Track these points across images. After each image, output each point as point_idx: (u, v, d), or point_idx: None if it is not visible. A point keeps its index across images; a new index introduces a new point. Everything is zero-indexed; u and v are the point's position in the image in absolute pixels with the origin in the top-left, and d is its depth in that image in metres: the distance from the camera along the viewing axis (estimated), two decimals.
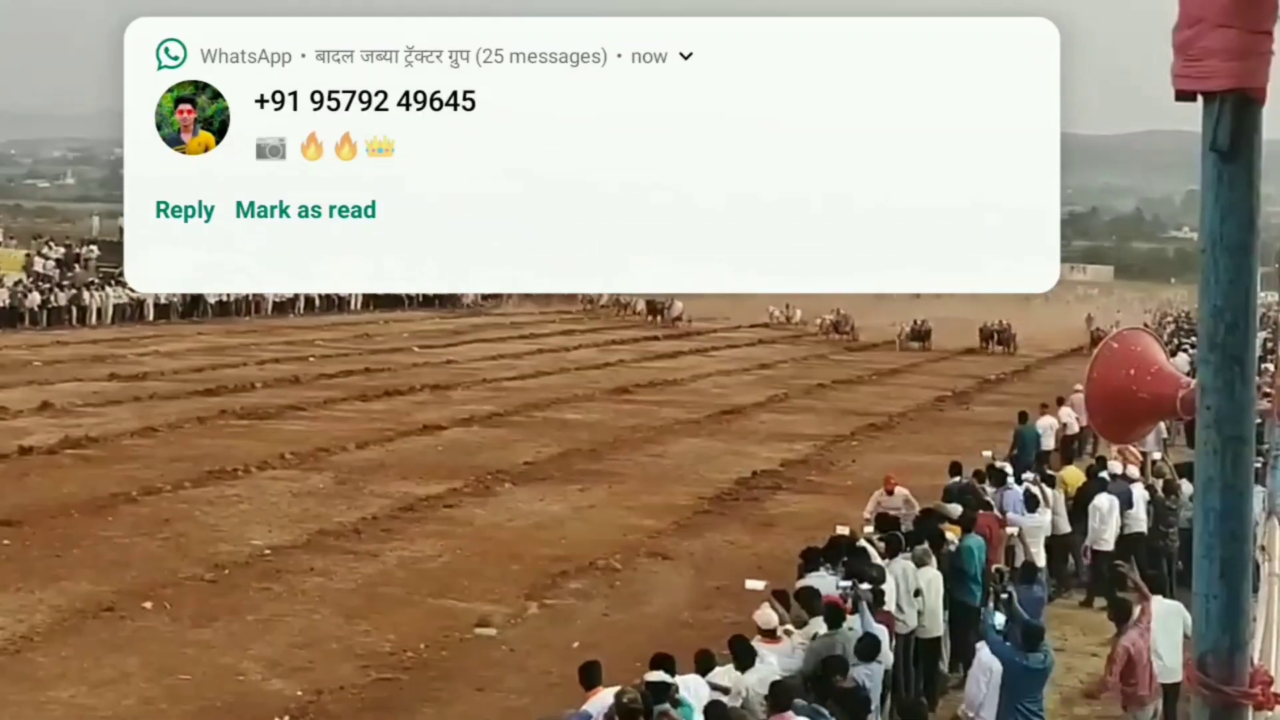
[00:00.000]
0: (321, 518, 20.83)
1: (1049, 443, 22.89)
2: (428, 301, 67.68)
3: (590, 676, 9.25)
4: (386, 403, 33.41)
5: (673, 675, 9.52)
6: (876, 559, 12.69)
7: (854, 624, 10.72)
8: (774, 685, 9.36)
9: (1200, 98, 1.80)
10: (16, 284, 54.03)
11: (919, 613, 12.64)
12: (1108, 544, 16.64)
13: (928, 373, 46.64)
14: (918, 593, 12.66)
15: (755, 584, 11.95)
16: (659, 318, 66.56)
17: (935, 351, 54.87)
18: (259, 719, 12.82)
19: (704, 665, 9.94)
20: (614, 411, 33.78)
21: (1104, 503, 16.87)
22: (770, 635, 10.44)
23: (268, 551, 18.85)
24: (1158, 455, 17.84)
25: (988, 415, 33.91)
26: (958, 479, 17.22)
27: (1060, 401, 24.90)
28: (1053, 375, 43.74)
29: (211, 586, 17.15)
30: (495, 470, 24.93)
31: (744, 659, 9.82)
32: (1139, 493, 17.51)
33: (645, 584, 17.83)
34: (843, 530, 13.68)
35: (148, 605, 16.19)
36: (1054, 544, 16.74)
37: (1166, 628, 10.81)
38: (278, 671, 14.14)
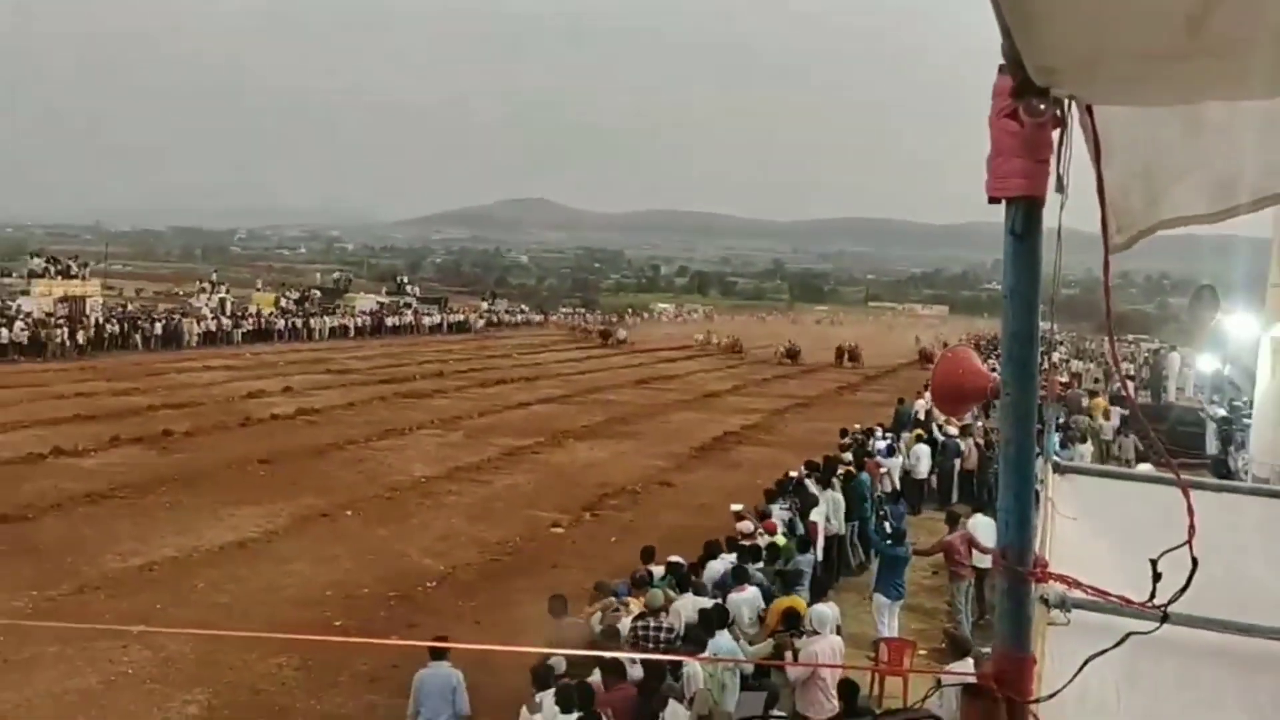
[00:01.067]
0: (456, 459, 20.83)
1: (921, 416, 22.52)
2: (517, 325, 69.17)
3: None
4: (496, 388, 33.43)
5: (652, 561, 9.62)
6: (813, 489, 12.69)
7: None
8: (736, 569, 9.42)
9: (1004, 201, 1.84)
10: (270, 314, 54.47)
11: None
12: (921, 474, 17.12)
13: (822, 374, 45.41)
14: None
15: (737, 506, 11.94)
16: (608, 340, 58.26)
17: (806, 364, 47.33)
18: (416, 583, 12.85)
19: (710, 551, 9.92)
20: (637, 394, 33.74)
21: (921, 449, 17.31)
22: (749, 537, 10.44)
23: (423, 480, 18.88)
24: (983, 423, 17.74)
25: (868, 399, 33.80)
26: (849, 439, 17.33)
27: (919, 393, 24.62)
28: (899, 377, 43.24)
29: (388, 502, 17.18)
30: (563, 430, 24.91)
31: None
32: (967, 444, 17.55)
33: (657, 503, 17.78)
34: (793, 472, 13.68)
35: (349, 513, 16.24)
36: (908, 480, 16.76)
37: (983, 533, 10.81)
38: (428, 554, 14.15)
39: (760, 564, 9.80)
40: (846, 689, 7.05)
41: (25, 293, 49.52)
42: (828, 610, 8.12)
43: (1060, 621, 2.19)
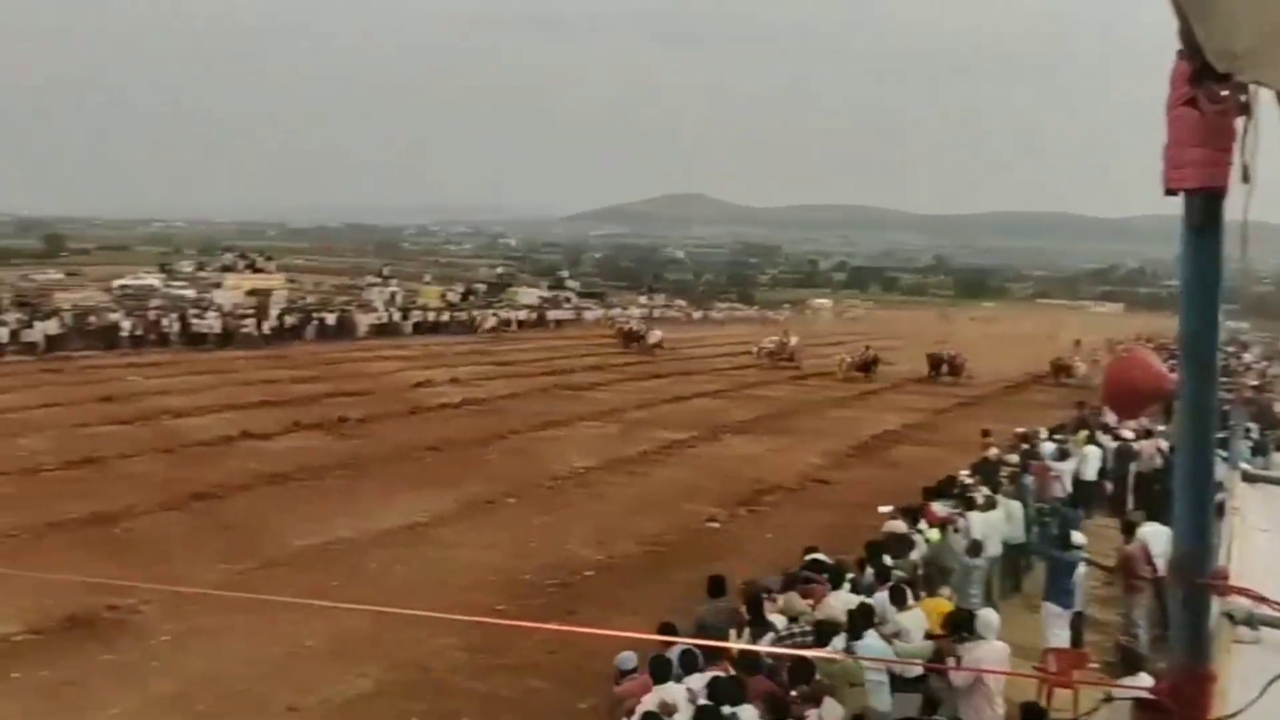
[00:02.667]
0: (614, 451, 21.17)
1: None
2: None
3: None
4: (653, 382, 33.70)
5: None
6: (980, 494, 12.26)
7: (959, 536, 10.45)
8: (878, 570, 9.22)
9: (1181, 193, 1.78)
10: (438, 309, 56.56)
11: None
12: (1088, 477, 15.83)
13: (889, 396, 42.91)
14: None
15: (885, 508, 11.72)
16: (634, 342, 46.02)
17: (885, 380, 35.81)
18: (576, 571, 13.15)
19: (873, 551, 9.71)
20: (791, 390, 33.39)
21: (1090, 451, 16.18)
22: (900, 539, 10.21)
23: (581, 470, 19.27)
24: (1162, 427, 16.71)
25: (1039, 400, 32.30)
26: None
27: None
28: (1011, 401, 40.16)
29: (549, 491, 17.62)
30: (719, 425, 24.96)
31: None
32: (1147, 447, 16.55)
33: (813, 499, 17.62)
34: (959, 474, 13.29)
35: (511, 501, 16.75)
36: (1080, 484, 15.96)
37: (1159, 542, 10.23)
38: (587, 544, 14.44)
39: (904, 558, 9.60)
40: (1032, 714, 6.72)
41: (218, 286, 53.14)
42: (993, 616, 7.88)
43: (1247, 639, 2.09)
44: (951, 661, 7.44)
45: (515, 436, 22.53)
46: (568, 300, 68.12)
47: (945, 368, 37.53)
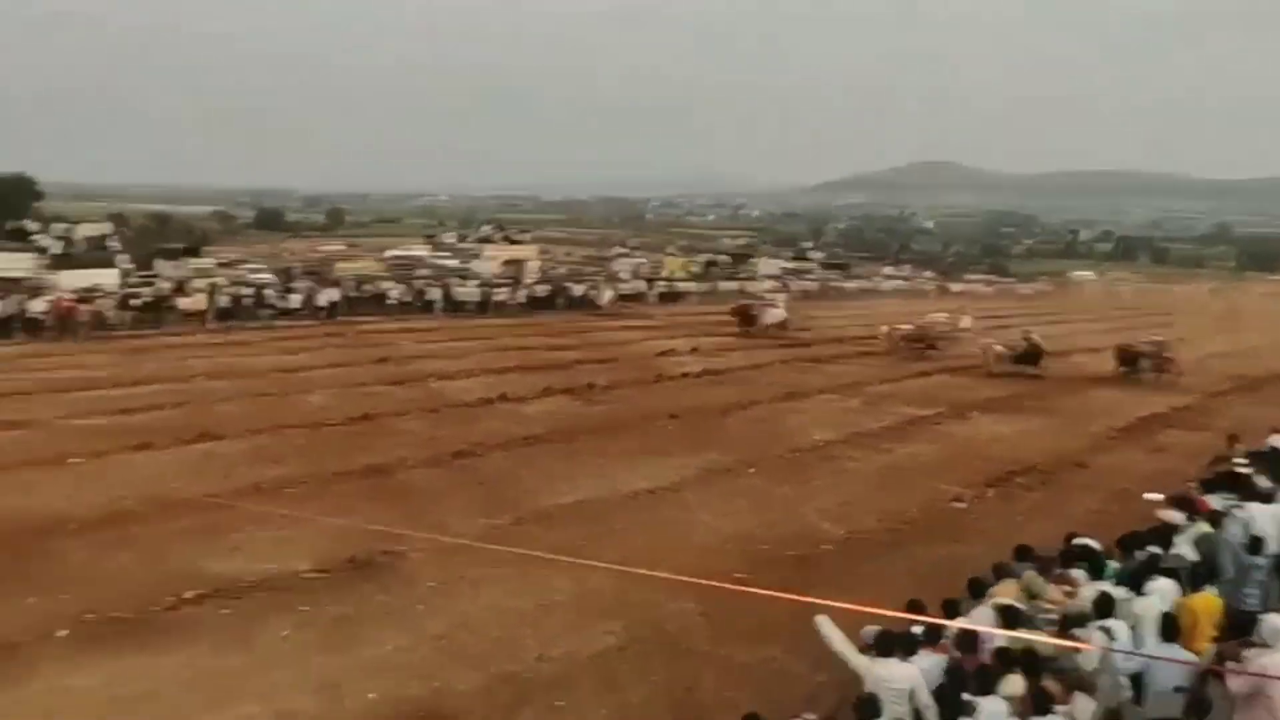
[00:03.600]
0: (856, 425, 20.81)
1: None
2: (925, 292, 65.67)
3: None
4: (892, 358, 32.72)
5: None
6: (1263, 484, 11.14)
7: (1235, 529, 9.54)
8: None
9: None
10: (680, 278, 57.37)
11: None
12: None
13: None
14: None
15: (1153, 495, 10.90)
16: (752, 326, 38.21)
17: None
18: (814, 544, 13.04)
19: (1135, 541, 9.08)
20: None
21: None
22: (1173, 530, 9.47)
23: (822, 443, 19.05)
24: None
25: None
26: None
27: None
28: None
29: (788, 462, 17.55)
30: (966, 402, 23.99)
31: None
32: None
33: (1069, 484, 16.62)
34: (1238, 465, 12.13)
35: (751, 470, 16.82)
36: None
37: None
38: (827, 517, 14.30)
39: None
40: None
41: (477, 256, 56.22)
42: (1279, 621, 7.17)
43: None
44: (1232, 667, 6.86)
45: (756, 407, 22.59)
46: (809, 271, 67.27)
47: (1146, 363, 28.81)
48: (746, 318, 38.59)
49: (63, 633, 9.72)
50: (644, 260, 64.50)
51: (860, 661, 6.79)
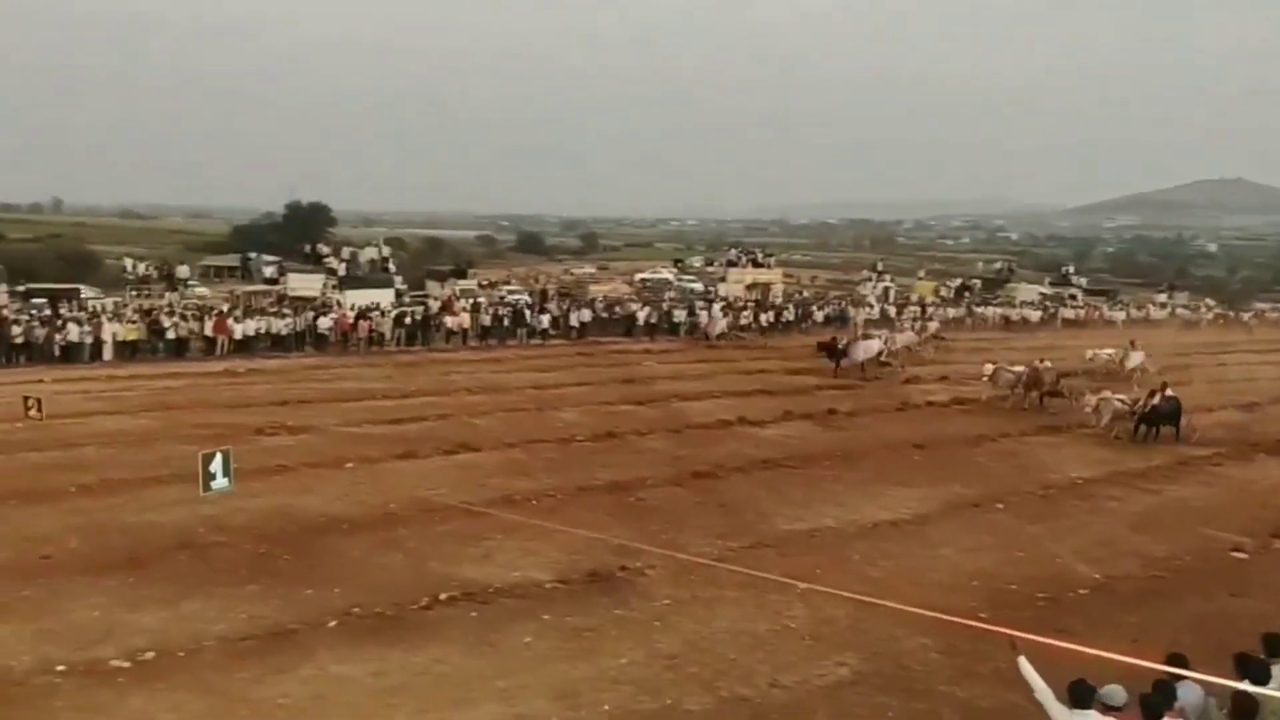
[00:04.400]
0: (1118, 462, 19.34)
1: None
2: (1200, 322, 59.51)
3: None
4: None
5: None
6: None
7: None
8: None
9: None
10: (931, 302, 55.51)
11: None
12: None
13: None
14: None
15: None
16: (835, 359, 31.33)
17: None
18: (1067, 587, 12.25)
19: None
20: None
21: None
22: None
23: (1079, 481, 17.87)
24: None
25: None
26: None
27: None
28: None
29: (1041, 499, 16.56)
30: (1252, 441, 21.79)
31: None
32: None
33: None
34: None
35: (1000, 506, 16.01)
36: None
37: None
38: (1082, 559, 13.37)
39: None
40: None
41: (723, 279, 56.79)
42: None
43: None
44: None
45: (1006, 440, 21.48)
46: (1072, 297, 63.31)
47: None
48: (832, 353, 31.69)
49: (333, 623, 10.61)
50: (892, 284, 62.89)
51: (1059, 711, 6.47)
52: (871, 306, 52.03)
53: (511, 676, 9.46)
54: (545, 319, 41.20)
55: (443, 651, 9.97)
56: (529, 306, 43.73)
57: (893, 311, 51.34)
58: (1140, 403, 22.11)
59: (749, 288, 54.01)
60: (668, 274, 66.81)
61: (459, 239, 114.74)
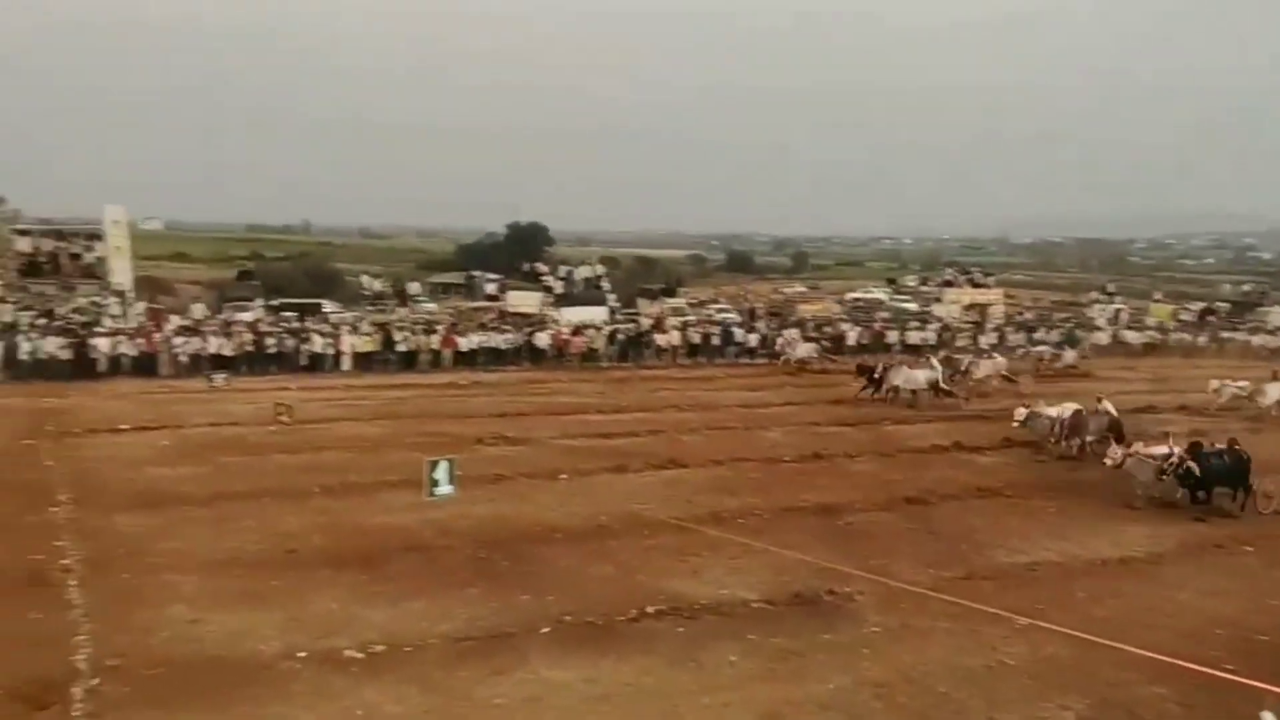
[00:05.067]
0: None
1: None
2: None
3: None
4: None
5: None
6: None
7: None
8: None
9: None
10: (1169, 327, 51.82)
11: None
12: None
13: None
14: None
15: None
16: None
17: None
18: None
19: None
20: None
21: None
22: None
23: None
24: None
25: None
26: None
27: None
28: None
29: None
30: None
31: None
32: None
33: None
34: None
35: (1249, 549, 14.73)
36: None
37: None
38: None
39: None
40: None
41: (938, 300, 55.04)
42: None
43: None
44: None
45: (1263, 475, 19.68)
46: None
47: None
48: (870, 377, 28.97)
49: (546, 629, 10.98)
50: (1124, 306, 58.95)
51: None
52: (1102, 329, 49.12)
53: (717, 694, 9.48)
54: (753, 338, 41.20)
55: (650, 664, 10.12)
56: (737, 325, 43.86)
57: (1126, 335, 48.19)
58: (1172, 458, 16.80)
59: (966, 309, 52.08)
60: (880, 294, 65.29)
61: (670, 258, 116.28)
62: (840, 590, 12.06)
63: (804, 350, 37.88)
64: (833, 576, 12.08)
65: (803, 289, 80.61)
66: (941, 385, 28.33)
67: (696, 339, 40.42)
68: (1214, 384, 27.98)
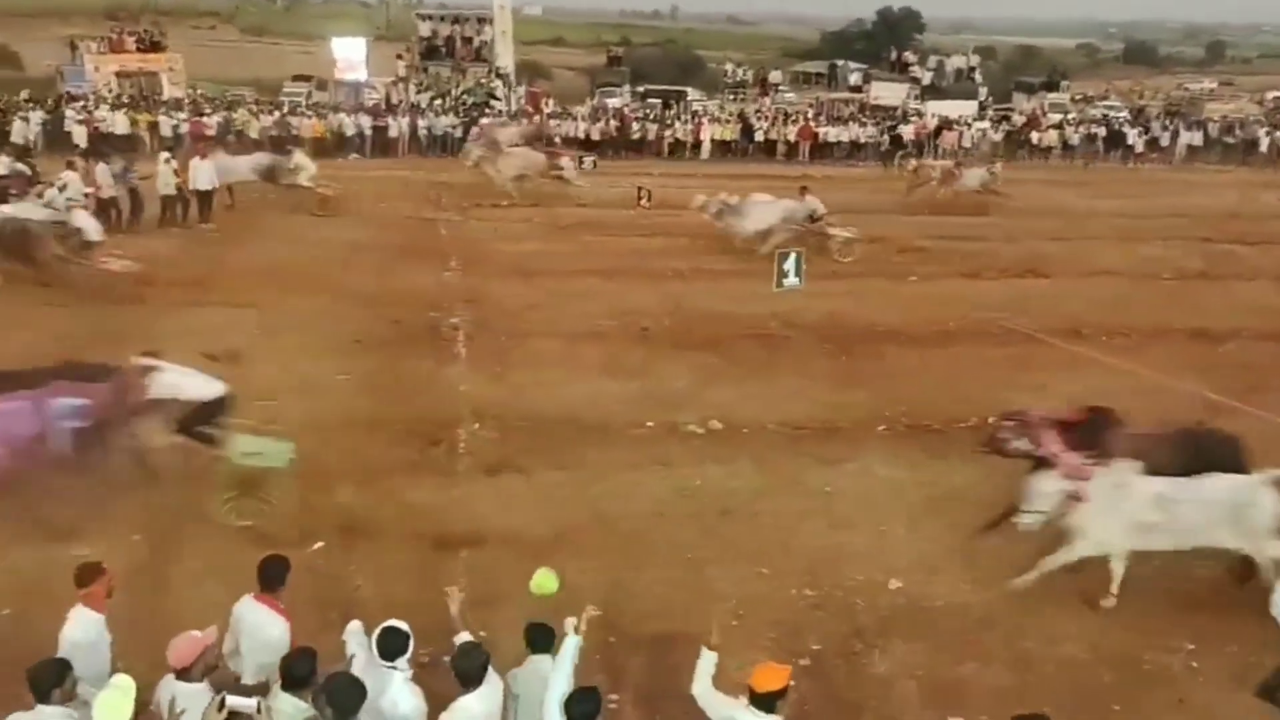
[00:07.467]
0: None
1: None
2: None
3: None
4: None
5: None
6: None
7: None
8: None
9: None
10: None
11: None
12: None
13: None
14: None
15: None
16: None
17: None
18: None
19: None
20: None
21: None
22: None
23: None
24: None
25: None
26: None
27: None
28: None
29: None
30: None
31: None
32: None
33: None
34: None
35: None
36: None
37: None
38: None
39: None
40: None
41: None
42: None
43: None
44: None
45: None
46: None
47: None
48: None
49: (881, 428, 11.03)
50: None
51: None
52: None
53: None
54: (1140, 139, 37.03)
55: (987, 472, 9.85)
56: (1128, 124, 39.46)
57: None
58: None
59: None
60: None
61: (1057, 48, 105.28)
62: (1208, 421, 10.99)
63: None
64: (1203, 407, 11.00)
65: (1213, 84, 70.34)
66: None
67: (1076, 140, 36.92)
68: None
